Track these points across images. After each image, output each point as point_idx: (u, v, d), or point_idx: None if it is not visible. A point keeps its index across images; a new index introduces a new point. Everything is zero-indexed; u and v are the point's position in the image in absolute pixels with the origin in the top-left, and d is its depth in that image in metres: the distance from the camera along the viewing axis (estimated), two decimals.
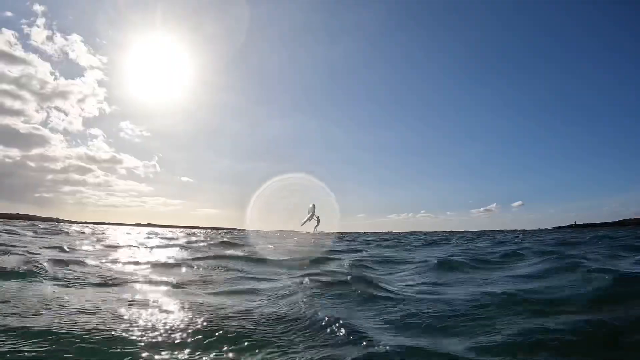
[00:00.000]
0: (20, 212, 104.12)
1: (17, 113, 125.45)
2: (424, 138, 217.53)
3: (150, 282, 5.59)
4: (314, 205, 52.39)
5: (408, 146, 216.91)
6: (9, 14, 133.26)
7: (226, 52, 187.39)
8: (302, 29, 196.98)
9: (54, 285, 5.02)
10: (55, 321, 3.09)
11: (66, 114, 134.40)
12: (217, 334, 2.99)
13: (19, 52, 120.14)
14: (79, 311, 3.45)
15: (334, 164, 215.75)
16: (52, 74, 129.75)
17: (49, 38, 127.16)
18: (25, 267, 5.83)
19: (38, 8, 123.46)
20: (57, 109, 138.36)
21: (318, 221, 51.39)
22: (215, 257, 9.71)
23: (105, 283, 5.35)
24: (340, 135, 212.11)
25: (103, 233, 28.65)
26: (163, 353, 2.59)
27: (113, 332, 2.86)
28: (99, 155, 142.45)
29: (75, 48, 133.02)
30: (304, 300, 4.17)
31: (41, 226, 37.47)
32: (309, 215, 52.16)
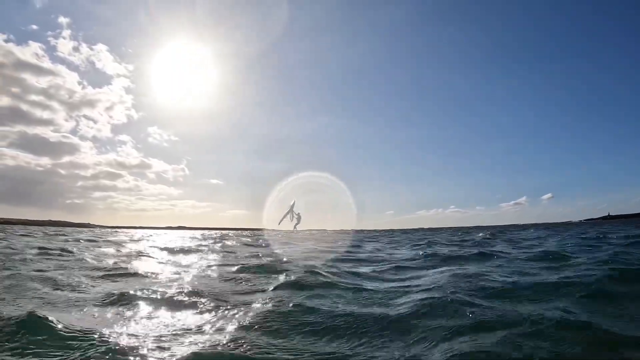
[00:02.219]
0: (51, 219, 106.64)
1: (46, 123, 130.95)
2: (452, 133, 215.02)
3: None
4: (294, 202, 50.74)
5: (436, 142, 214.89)
6: (34, 27, 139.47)
7: (250, 55, 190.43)
8: (324, 29, 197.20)
9: None
10: None
11: (95, 122, 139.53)
12: None
13: (46, 63, 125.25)
14: None
15: (362, 162, 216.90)
16: (79, 83, 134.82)
17: (75, 49, 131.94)
18: None
19: (63, 20, 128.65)
20: (86, 117, 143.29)
21: (298, 219, 49.73)
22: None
23: None
24: (367, 133, 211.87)
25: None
26: None
27: None
28: (129, 160, 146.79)
29: (102, 57, 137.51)
30: None
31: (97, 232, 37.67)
32: (286, 212, 50.15)
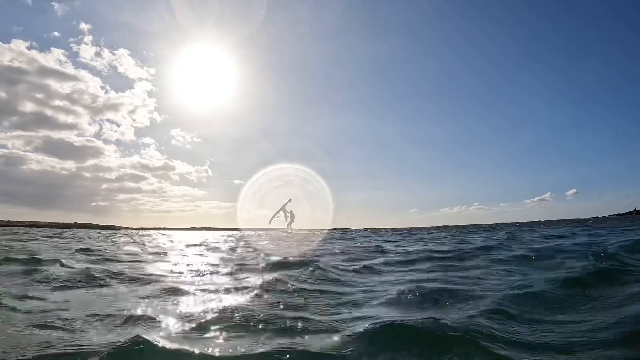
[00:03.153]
0: (77, 221, 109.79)
1: (70, 127, 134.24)
2: (473, 129, 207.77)
3: None
4: (289, 200, 47.42)
5: (457, 138, 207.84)
6: (56, 34, 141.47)
7: (270, 55, 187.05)
8: (343, 27, 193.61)
9: None
10: None
11: (118, 125, 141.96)
12: None
13: (69, 69, 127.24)
14: None
15: (384, 160, 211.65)
16: (102, 87, 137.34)
17: (97, 54, 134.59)
18: None
19: (84, 26, 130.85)
20: (109, 121, 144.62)
21: (292, 218, 46.97)
22: None
23: None
24: (389, 131, 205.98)
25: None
26: None
27: None
28: (152, 163, 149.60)
29: (123, 62, 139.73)
30: None
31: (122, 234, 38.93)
32: (279, 209, 47.12)
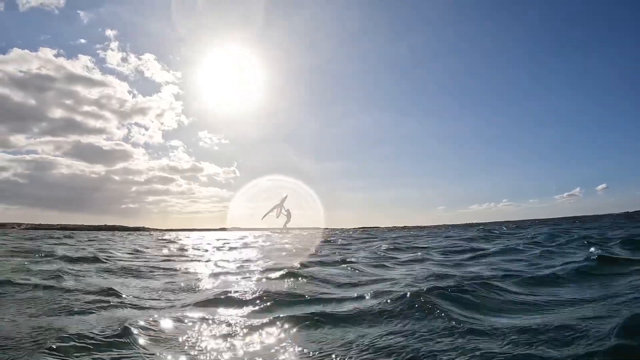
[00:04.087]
0: (107, 224, 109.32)
1: (99, 131, 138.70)
2: (500, 125, 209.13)
3: None
4: (285, 196, 46.18)
5: (484, 135, 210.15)
6: (83, 41, 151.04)
7: (295, 55, 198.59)
8: (367, 27, 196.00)
9: None
10: None
11: (146, 129, 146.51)
12: None
13: (96, 75, 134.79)
14: None
15: (411, 158, 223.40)
16: (129, 92, 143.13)
17: (124, 59, 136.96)
18: None
19: (110, 33, 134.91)
20: (137, 124, 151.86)
21: (288, 216, 45.21)
22: None
23: None
24: (415, 129, 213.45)
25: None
26: None
27: None
28: (181, 165, 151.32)
29: (150, 66, 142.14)
30: None
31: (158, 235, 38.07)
32: (274, 206, 45.17)
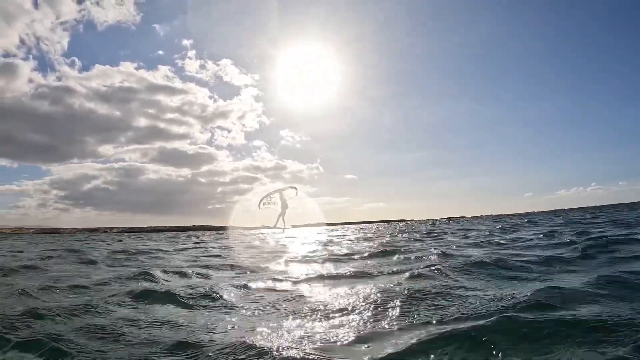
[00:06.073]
0: (195, 224, 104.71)
1: (183, 137, 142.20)
2: (586, 104, 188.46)
3: None
4: (292, 188, 39.09)
5: (571, 114, 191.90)
6: (161, 52, 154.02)
7: (369, 50, 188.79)
8: (437, 14, 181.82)
9: None
10: None
11: (229, 131, 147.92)
12: None
13: (177, 83, 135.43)
14: None
15: (491, 145, 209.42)
16: (210, 97, 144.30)
17: (202, 66, 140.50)
18: None
19: (186, 42, 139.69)
20: (220, 128, 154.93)
21: (284, 208, 38.72)
22: None
23: None
24: (492, 114, 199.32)
25: None
26: None
27: None
28: (264, 164, 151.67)
29: (228, 71, 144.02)
30: None
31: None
32: (275, 191, 38.77)
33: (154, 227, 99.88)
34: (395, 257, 6.95)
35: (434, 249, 7.31)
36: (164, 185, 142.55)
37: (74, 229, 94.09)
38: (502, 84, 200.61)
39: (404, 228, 29.52)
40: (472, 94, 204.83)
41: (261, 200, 38.42)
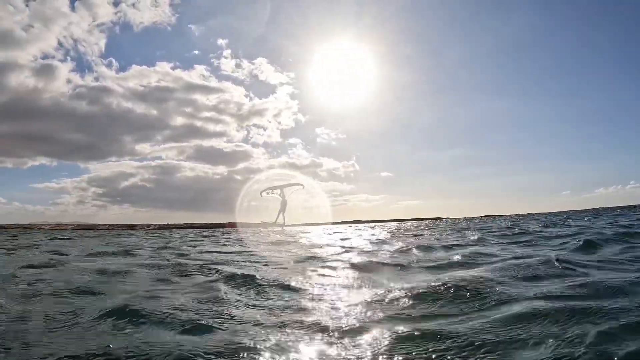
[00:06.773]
0: (231, 221, 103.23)
1: (220, 135, 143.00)
2: (623, 101, 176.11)
3: None
4: (299, 183, 40.38)
5: (607, 112, 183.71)
6: (196, 52, 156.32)
7: (404, 46, 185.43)
8: (473, 11, 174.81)
9: None
10: None
11: (264, 129, 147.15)
12: None
13: (213, 82, 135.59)
14: None
15: (528, 142, 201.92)
16: (246, 96, 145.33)
17: (237, 65, 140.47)
18: None
19: (222, 42, 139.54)
20: (256, 126, 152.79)
21: (284, 206, 39.54)
22: None
23: None
24: (530, 111, 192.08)
25: None
26: None
27: None
28: (300, 161, 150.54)
29: (263, 70, 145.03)
30: None
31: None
32: (281, 185, 39.37)
33: (191, 223, 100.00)
34: None
35: None
36: (200, 183, 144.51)
37: (112, 225, 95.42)
38: (541, 80, 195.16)
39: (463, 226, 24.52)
40: (510, 91, 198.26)
41: (264, 190, 39.05)
